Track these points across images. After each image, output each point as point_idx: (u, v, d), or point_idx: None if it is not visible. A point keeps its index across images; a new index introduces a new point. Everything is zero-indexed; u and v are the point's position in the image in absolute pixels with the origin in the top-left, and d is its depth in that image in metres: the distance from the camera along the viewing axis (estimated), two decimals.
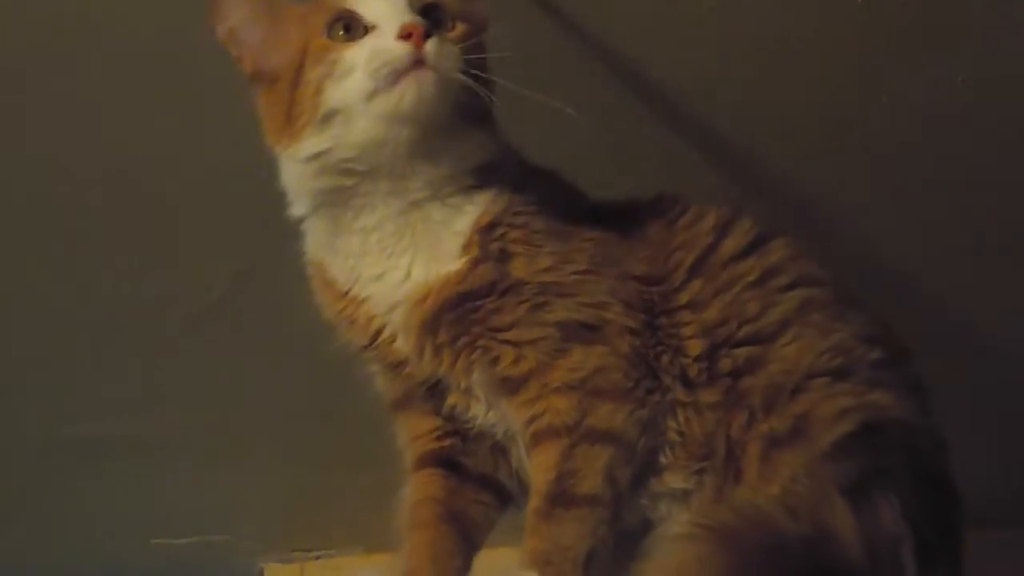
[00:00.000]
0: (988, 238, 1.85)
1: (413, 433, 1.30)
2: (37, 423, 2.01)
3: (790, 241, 1.30)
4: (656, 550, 1.17)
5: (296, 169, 1.22)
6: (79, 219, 1.78)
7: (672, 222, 1.30)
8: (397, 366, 1.25)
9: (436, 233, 1.22)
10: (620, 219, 1.29)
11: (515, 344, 1.20)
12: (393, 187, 1.21)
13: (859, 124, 1.73)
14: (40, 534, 2.16)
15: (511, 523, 1.29)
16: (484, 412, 1.25)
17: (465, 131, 1.21)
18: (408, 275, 1.22)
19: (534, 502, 1.19)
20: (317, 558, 2.20)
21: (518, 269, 1.21)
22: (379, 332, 1.24)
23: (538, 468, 1.20)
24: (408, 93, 1.15)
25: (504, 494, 1.30)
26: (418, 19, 1.16)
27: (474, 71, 1.18)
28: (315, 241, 1.27)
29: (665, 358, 1.22)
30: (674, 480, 1.21)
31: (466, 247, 1.21)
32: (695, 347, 1.23)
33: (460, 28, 1.21)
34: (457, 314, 1.20)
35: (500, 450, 1.27)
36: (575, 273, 1.22)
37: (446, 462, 1.29)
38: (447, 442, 1.28)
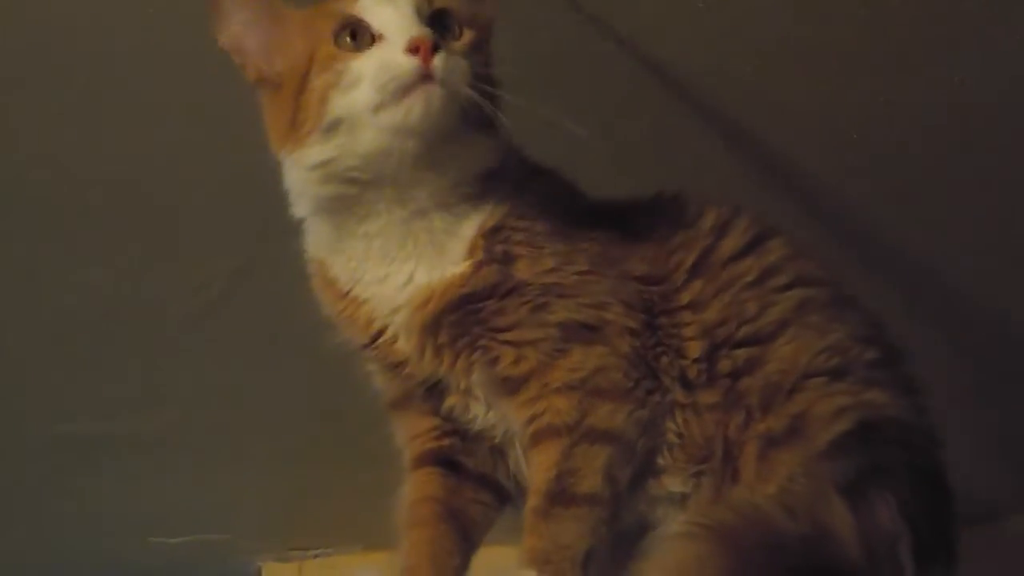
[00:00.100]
0: (990, 237, 1.86)
1: (412, 432, 1.31)
2: (36, 421, 2.02)
3: (788, 240, 1.31)
4: (655, 549, 1.17)
5: (300, 175, 1.22)
6: (78, 218, 1.79)
7: (671, 221, 1.30)
8: (397, 366, 1.26)
9: (439, 240, 1.22)
10: (620, 219, 1.30)
11: (516, 344, 1.21)
12: (397, 196, 1.21)
13: (860, 118, 1.74)
14: (38, 533, 2.16)
15: (509, 522, 1.30)
16: (484, 413, 1.25)
17: (470, 140, 1.20)
18: (411, 279, 1.22)
19: (533, 501, 1.19)
20: (315, 556, 2.20)
21: (521, 271, 1.21)
22: (380, 333, 1.24)
23: (538, 467, 1.20)
24: (415, 108, 1.14)
25: (503, 494, 1.30)
26: (426, 32, 1.16)
27: (481, 82, 1.17)
28: (316, 241, 1.27)
29: (665, 359, 1.23)
30: (672, 483, 1.22)
31: (470, 251, 1.22)
32: (695, 348, 1.23)
33: (468, 36, 1.21)
34: (459, 316, 1.21)
35: (498, 451, 1.28)
36: (576, 274, 1.22)
37: (445, 461, 1.29)
38: (446, 441, 1.29)
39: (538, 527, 1.18)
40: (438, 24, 1.19)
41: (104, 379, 1.96)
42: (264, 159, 1.26)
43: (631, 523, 1.23)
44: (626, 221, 1.30)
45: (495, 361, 1.21)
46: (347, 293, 1.25)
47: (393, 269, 1.23)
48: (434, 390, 1.26)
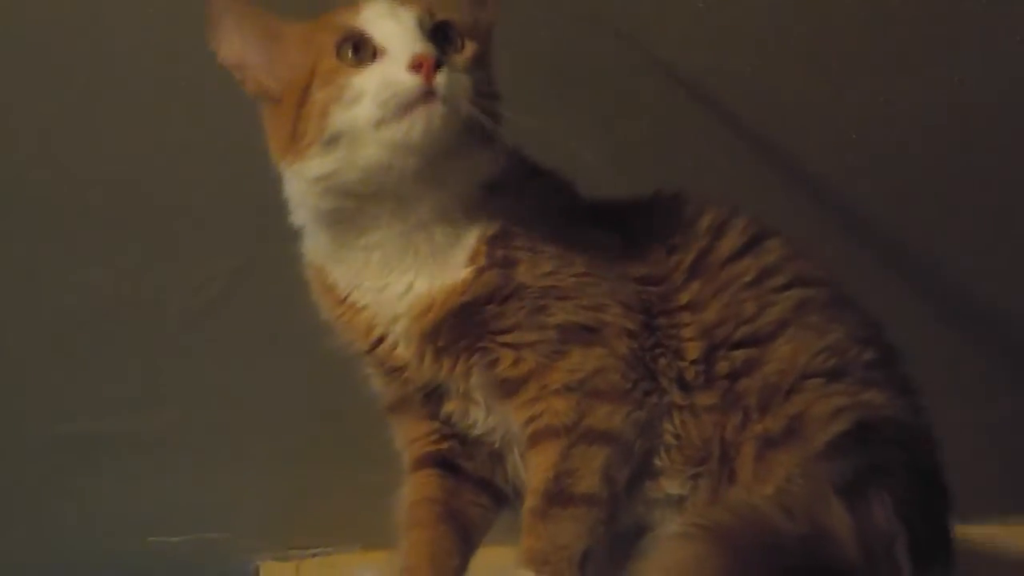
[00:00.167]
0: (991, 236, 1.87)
1: (410, 435, 1.31)
2: (35, 421, 2.01)
3: (785, 240, 1.31)
4: (652, 549, 1.18)
5: (300, 187, 1.22)
6: (78, 218, 1.79)
7: (669, 222, 1.31)
8: (396, 371, 1.26)
9: (440, 251, 1.22)
10: (618, 219, 1.31)
11: (515, 346, 1.22)
12: (397, 209, 1.21)
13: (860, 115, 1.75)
14: (37, 532, 2.15)
15: (507, 522, 1.31)
16: (483, 417, 1.26)
17: (471, 154, 1.20)
18: (410, 288, 1.22)
19: (531, 501, 1.20)
20: (314, 556, 2.20)
21: (521, 274, 1.22)
22: (379, 339, 1.25)
23: (536, 468, 1.21)
24: (417, 125, 1.14)
25: (501, 497, 1.31)
26: (429, 48, 1.16)
27: (482, 97, 1.18)
28: (315, 248, 1.28)
29: (663, 360, 1.24)
30: (670, 485, 1.24)
31: (472, 258, 1.22)
32: (694, 349, 1.24)
33: (470, 48, 1.21)
34: (460, 323, 1.22)
35: (497, 456, 1.29)
36: (574, 276, 1.23)
37: (444, 463, 1.30)
38: (445, 444, 1.30)
39: (536, 527, 1.19)
40: (440, 37, 1.19)
41: (104, 379, 1.95)
42: (264, 160, 1.26)
43: (629, 524, 1.24)
44: (624, 221, 1.30)
45: (494, 363, 1.22)
46: (346, 299, 1.26)
47: (392, 279, 1.23)
48: (433, 394, 1.27)
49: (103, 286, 1.85)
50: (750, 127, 1.74)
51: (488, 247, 1.22)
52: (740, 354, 1.24)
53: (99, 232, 1.80)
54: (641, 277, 1.27)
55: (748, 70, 1.69)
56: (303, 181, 1.21)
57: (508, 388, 1.23)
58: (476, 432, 1.27)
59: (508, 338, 1.22)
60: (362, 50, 1.18)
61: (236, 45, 1.23)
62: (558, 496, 1.19)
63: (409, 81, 1.14)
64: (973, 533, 1.32)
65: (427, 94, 1.14)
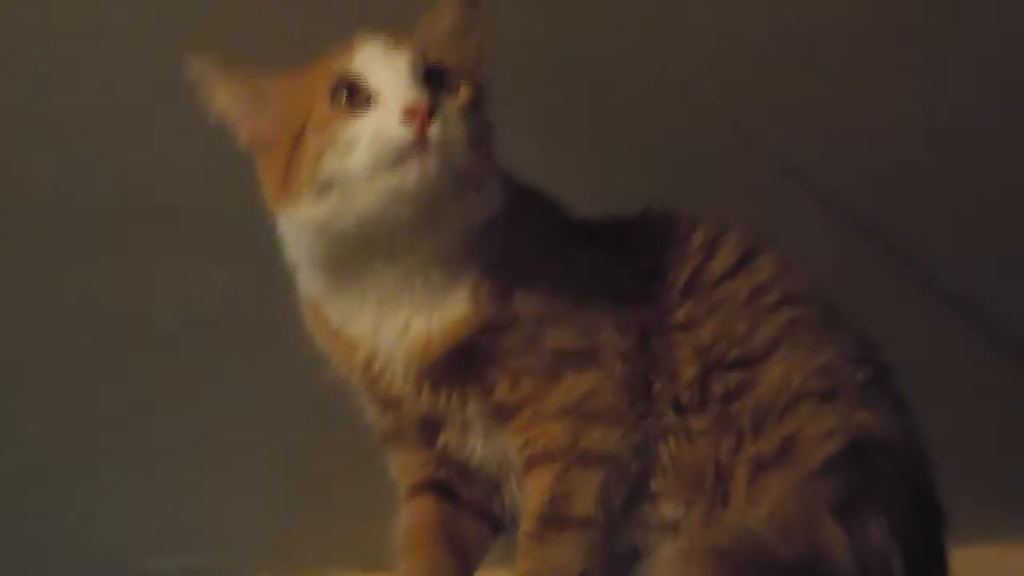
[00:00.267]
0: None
1: (406, 464, 1.32)
2: (28, 438, 2.03)
3: (777, 255, 1.32)
4: (650, 573, 1.19)
5: (293, 232, 1.23)
6: (74, 231, 1.81)
7: (661, 240, 1.31)
8: (391, 403, 1.27)
9: (437, 291, 1.22)
10: (609, 238, 1.31)
11: (511, 373, 1.22)
12: (392, 254, 1.21)
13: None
14: (27, 557, 2.16)
15: (504, 547, 1.32)
16: (480, 446, 1.26)
17: (467, 198, 1.19)
18: (408, 327, 1.22)
19: (527, 524, 1.21)
20: None
21: (517, 304, 1.22)
22: (375, 374, 1.25)
23: (532, 491, 1.22)
24: (411, 175, 1.14)
25: (498, 523, 1.31)
26: (422, 97, 1.15)
27: (478, 143, 1.18)
28: (309, 284, 1.28)
29: (658, 384, 1.25)
30: (666, 508, 1.24)
31: (469, 296, 1.22)
32: (688, 371, 1.25)
33: (465, 92, 1.20)
34: (458, 357, 1.22)
35: (494, 484, 1.29)
36: (568, 300, 1.23)
37: (441, 489, 1.31)
38: (442, 472, 1.30)
39: (532, 551, 1.20)
40: (435, 81, 1.19)
41: (98, 395, 1.97)
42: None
43: (625, 548, 1.24)
44: (615, 241, 1.31)
45: (490, 390, 1.23)
46: (340, 334, 1.26)
47: (388, 318, 1.23)
48: (429, 425, 1.27)
49: (97, 301, 1.86)
50: (748, 135, 1.76)
51: (485, 284, 1.22)
52: (734, 376, 1.25)
53: (94, 246, 1.82)
54: (635, 297, 1.27)
55: (746, 80, 1.71)
56: (296, 226, 1.21)
57: (504, 413, 1.23)
58: (474, 461, 1.27)
59: (504, 364, 1.22)
60: (356, 96, 1.18)
61: (225, 103, 1.24)
62: (554, 519, 1.20)
63: (403, 132, 1.14)
64: (967, 554, 1.33)
65: (421, 145, 1.14)
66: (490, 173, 1.20)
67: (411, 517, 1.31)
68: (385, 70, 1.18)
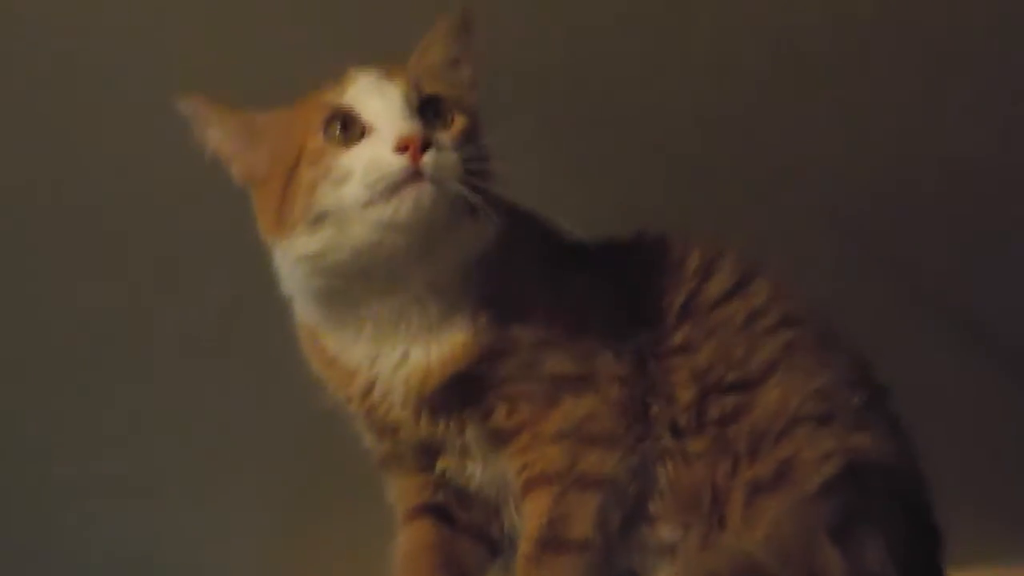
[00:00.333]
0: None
1: (404, 489, 1.32)
2: (23, 459, 2.03)
3: (772, 278, 1.32)
4: None
5: (288, 265, 1.23)
6: (68, 252, 1.81)
7: (656, 263, 1.32)
8: (389, 429, 1.27)
9: (434, 322, 1.22)
10: (604, 262, 1.32)
11: (509, 398, 1.23)
12: (388, 286, 1.20)
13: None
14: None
15: (502, 570, 1.32)
16: (479, 471, 1.26)
17: (462, 228, 1.19)
18: (406, 358, 1.23)
19: (525, 547, 1.22)
20: None
21: (514, 330, 1.23)
22: (373, 402, 1.26)
23: (530, 514, 1.23)
24: (405, 206, 1.14)
25: (496, 546, 1.32)
26: (416, 128, 1.16)
27: (473, 173, 1.17)
28: (305, 314, 1.28)
29: (656, 407, 1.25)
30: (663, 531, 1.25)
31: (467, 326, 1.22)
32: (685, 394, 1.25)
33: (459, 122, 1.21)
34: (457, 386, 1.22)
35: (493, 507, 1.29)
36: (565, 325, 1.24)
37: (439, 513, 1.31)
38: (440, 495, 1.31)
39: (530, 573, 1.21)
40: (429, 112, 1.19)
41: (93, 419, 1.97)
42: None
43: (623, 571, 1.25)
44: (610, 264, 1.31)
45: (488, 415, 1.23)
46: (338, 362, 1.27)
47: (386, 348, 1.23)
48: (427, 450, 1.28)
49: (96, 322, 1.86)
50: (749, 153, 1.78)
51: (483, 312, 1.22)
52: (731, 399, 1.25)
53: (95, 267, 1.82)
54: (631, 321, 1.28)
55: (747, 100, 1.72)
56: (291, 259, 1.21)
57: (502, 438, 1.24)
58: (472, 485, 1.28)
59: (502, 390, 1.23)
60: (350, 128, 1.18)
61: (218, 140, 1.25)
62: (552, 542, 1.21)
63: (396, 163, 1.14)
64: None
65: (415, 175, 1.14)
66: (486, 203, 1.19)
67: (409, 541, 1.31)
68: (378, 102, 1.18)
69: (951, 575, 1.32)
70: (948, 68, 1.76)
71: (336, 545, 2.05)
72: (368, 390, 1.25)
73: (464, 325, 1.22)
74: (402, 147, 1.15)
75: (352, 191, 1.16)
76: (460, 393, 1.22)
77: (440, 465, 1.28)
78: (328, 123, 1.19)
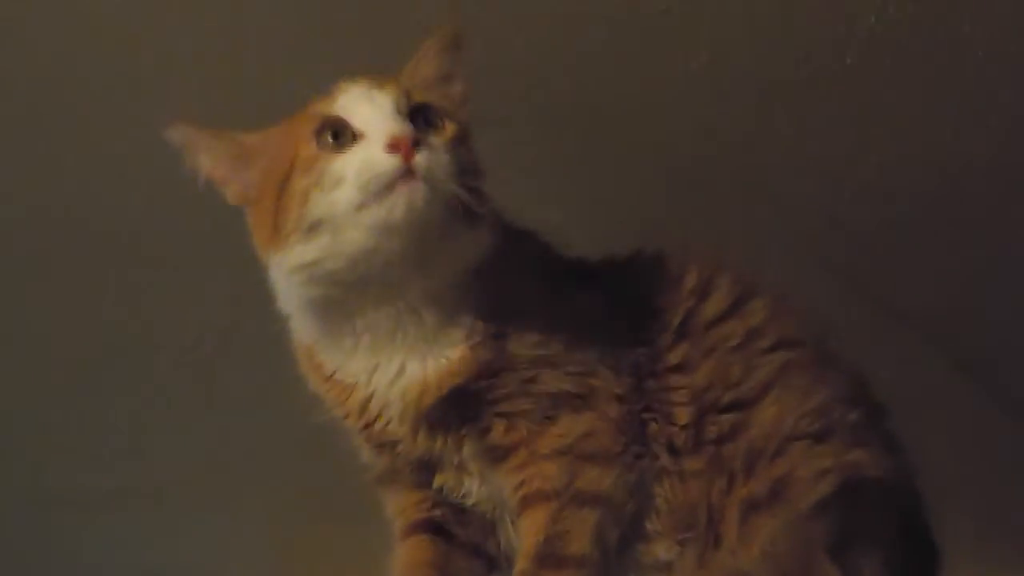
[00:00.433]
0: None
1: (402, 504, 1.33)
2: (22, 478, 2.04)
3: (769, 298, 1.33)
4: None
5: (285, 277, 1.23)
6: (68, 269, 1.83)
7: (654, 282, 1.33)
8: (387, 445, 1.28)
9: (431, 333, 1.23)
10: (602, 280, 1.32)
11: (506, 416, 1.24)
12: (385, 295, 1.21)
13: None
14: None
15: None
16: (476, 487, 1.27)
17: (457, 235, 1.20)
18: (403, 370, 1.23)
19: (522, 564, 1.22)
20: None
21: (512, 346, 1.23)
22: (370, 418, 1.26)
23: (527, 531, 1.23)
24: (398, 205, 1.15)
25: (493, 563, 1.33)
26: (407, 129, 1.17)
27: (465, 176, 1.18)
28: (302, 330, 1.29)
29: (654, 425, 1.26)
30: (659, 549, 1.25)
31: (464, 338, 1.23)
32: (684, 414, 1.26)
33: (451, 129, 1.21)
34: (455, 401, 1.23)
35: (489, 524, 1.30)
36: (563, 342, 1.24)
37: (437, 529, 1.32)
38: (437, 511, 1.31)
39: None
40: (420, 118, 1.20)
41: (92, 434, 1.98)
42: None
43: None
44: (608, 282, 1.32)
45: (486, 432, 1.24)
46: (335, 379, 1.28)
47: (383, 360, 1.24)
48: (425, 466, 1.28)
49: (96, 338, 1.88)
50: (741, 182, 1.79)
51: (480, 326, 1.23)
52: (728, 419, 1.26)
53: (96, 278, 1.83)
54: (628, 339, 1.29)
55: (744, 128, 1.74)
56: (287, 271, 1.21)
57: (499, 454, 1.24)
58: (469, 502, 1.29)
59: (500, 407, 1.24)
60: (341, 135, 1.19)
61: (210, 164, 1.26)
62: (549, 558, 1.21)
63: (388, 161, 1.15)
64: None
65: (407, 173, 1.15)
66: (480, 211, 1.20)
67: (406, 556, 1.32)
68: (368, 108, 1.19)
69: None
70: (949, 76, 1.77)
71: (336, 558, 2.06)
72: (365, 405, 1.26)
73: (461, 339, 1.23)
74: (393, 146, 1.15)
75: (345, 195, 1.16)
76: (458, 409, 1.23)
77: (438, 481, 1.28)
78: (319, 132, 1.20)
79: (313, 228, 1.18)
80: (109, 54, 1.67)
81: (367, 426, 1.27)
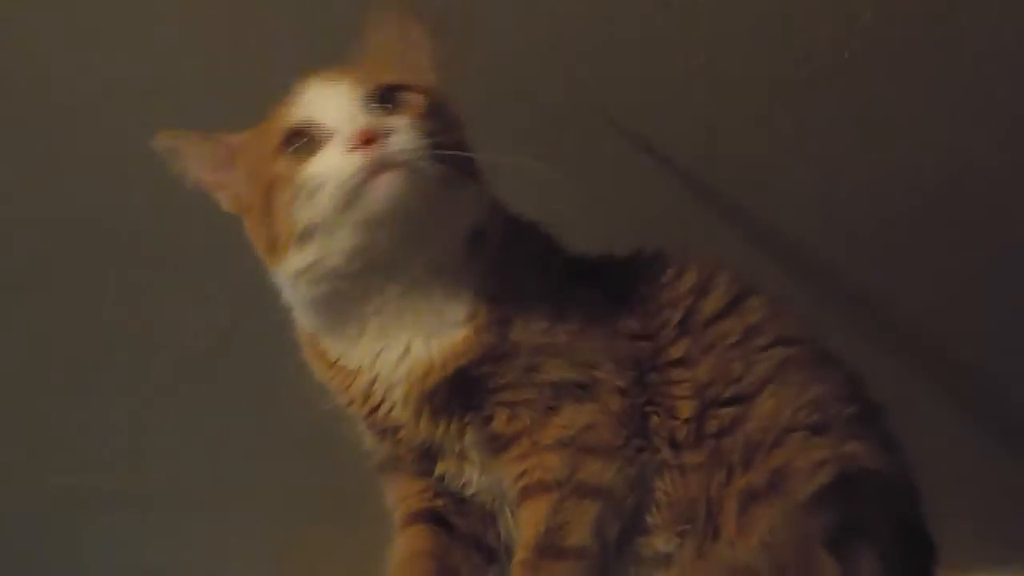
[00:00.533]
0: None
1: (403, 493, 1.35)
2: (21, 478, 2.04)
3: (767, 298, 1.35)
4: None
5: (290, 283, 1.25)
6: (67, 271, 1.83)
7: (654, 279, 1.34)
8: (390, 431, 1.30)
9: (438, 307, 1.25)
10: (604, 275, 1.34)
11: (509, 404, 1.25)
12: (391, 274, 1.23)
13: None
14: None
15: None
16: (477, 476, 1.29)
17: (447, 201, 1.21)
18: (407, 351, 1.25)
19: (522, 554, 1.24)
20: None
21: (516, 333, 1.25)
22: (375, 402, 1.28)
23: (527, 522, 1.25)
24: (377, 200, 1.17)
25: (493, 554, 1.34)
26: (368, 120, 1.18)
27: (443, 146, 1.19)
28: (306, 319, 1.31)
29: (655, 419, 1.28)
30: (659, 541, 1.27)
31: (469, 317, 1.25)
32: (686, 408, 1.28)
33: (416, 101, 1.23)
34: (458, 384, 1.25)
35: (490, 515, 1.32)
36: (567, 333, 1.26)
37: (437, 519, 1.33)
38: (438, 501, 1.33)
39: None
40: (387, 99, 1.22)
41: (90, 434, 1.98)
42: None
43: None
44: (610, 278, 1.34)
45: (488, 420, 1.26)
46: (339, 364, 1.29)
47: (390, 342, 1.26)
48: (426, 454, 1.30)
49: (96, 339, 1.89)
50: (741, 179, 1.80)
51: (484, 307, 1.25)
52: (728, 412, 1.28)
53: (92, 285, 1.84)
54: (631, 333, 1.30)
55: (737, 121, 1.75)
56: (291, 278, 1.24)
57: (501, 444, 1.26)
58: (470, 491, 1.30)
59: (503, 396, 1.25)
60: (310, 140, 1.21)
61: (197, 171, 1.28)
62: (549, 549, 1.22)
63: (356, 160, 1.17)
64: None
65: (377, 167, 1.17)
66: (468, 171, 1.22)
67: (405, 546, 1.33)
68: (329, 107, 1.21)
69: None
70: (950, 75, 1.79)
71: (334, 559, 2.06)
72: (370, 390, 1.27)
73: (465, 319, 1.24)
74: (354, 145, 1.17)
75: (325, 200, 1.18)
76: (461, 394, 1.25)
77: (439, 469, 1.30)
78: (287, 144, 1.22)
79: (304, 235, 1.21)
80: (109, 54, 1.68)
81: (371, 412, 1.29)
